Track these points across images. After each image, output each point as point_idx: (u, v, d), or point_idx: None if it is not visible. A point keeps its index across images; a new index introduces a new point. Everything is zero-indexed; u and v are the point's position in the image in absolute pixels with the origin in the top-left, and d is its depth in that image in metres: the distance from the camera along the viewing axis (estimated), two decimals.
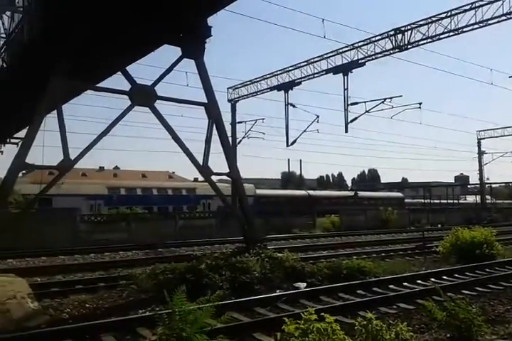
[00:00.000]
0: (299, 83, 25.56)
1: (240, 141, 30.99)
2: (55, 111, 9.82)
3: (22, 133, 22.71)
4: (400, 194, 60.08)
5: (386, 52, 21.40)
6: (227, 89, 29.79)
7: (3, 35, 14.30)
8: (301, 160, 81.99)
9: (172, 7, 9.24)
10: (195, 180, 48.23)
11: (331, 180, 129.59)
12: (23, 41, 11.52)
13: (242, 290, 8.99)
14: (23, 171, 22.39)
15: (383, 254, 16.31)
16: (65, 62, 9.18)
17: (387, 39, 21.22)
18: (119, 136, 43.12)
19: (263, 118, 30.92)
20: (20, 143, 23.85)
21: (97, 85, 12.22)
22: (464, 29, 19.07)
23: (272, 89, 26.90)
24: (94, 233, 21.16)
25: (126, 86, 10.68)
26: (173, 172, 57.27)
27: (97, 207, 32.53)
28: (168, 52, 11.45)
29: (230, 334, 6.16)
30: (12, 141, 25.05)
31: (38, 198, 9.29)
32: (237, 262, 9.72)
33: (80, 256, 16.40)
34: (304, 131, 27.36)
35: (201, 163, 11.11)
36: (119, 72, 11.44)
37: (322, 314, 4.70)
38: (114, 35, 9.67)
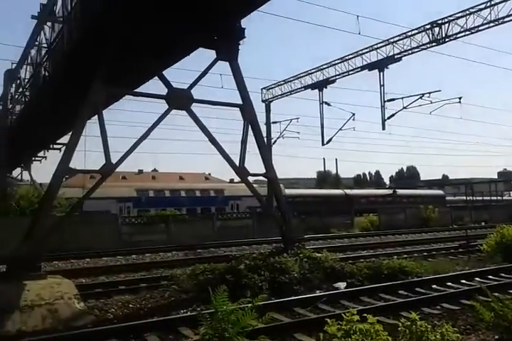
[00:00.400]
0: (334, 81, 25.29)
1: (275, 141, 30.97)
2: (95, 117, 10.13)
3: (64, 139, 23.57)
4: (440, 191, 58.50)
5: (423, 47, 20.88)
6: (261, 89, 29.86)
7: (45, 45, 14.87)
8: (336, 159, 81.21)
9: (206, 10, 9.34)
10: (231, 181, 48.62)
11: (368, 179, 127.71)
12: (64, 50, 11.94)
13: (281, 290, 8.99)
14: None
15: (425, 254, 15.94)
16: (104, 69, 9.44)
17: (423, 33, 20.70)
18: (156, 139, 43.84)
19: (298, 118, 30.78)
20: (63, 149, 24.76)
21: (135, 90, 12.54)
22: (505, 19, 18.37)
23: (306, 88, 26.74)
24: (135, 234, 21.68)
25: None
26: (209, 174, 57.96)
27: (126, 209, 33.09)
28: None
29: (271, 335, 6.16)
30: (55, 146, 25.96)
31: (82, 202, 9.57)
32: (275, 262, 9.72)
33: (122, 257, 16.85)
34: (340, 129, 27.03)
35: (238, 164, 11.17)
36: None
37: (364, 315, 4.64)
38: (150, 41, 9.87)
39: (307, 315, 7.67)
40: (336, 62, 24.62)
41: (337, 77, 24.90)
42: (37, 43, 15.80)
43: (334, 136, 27.14)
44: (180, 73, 17.08)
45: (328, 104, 26.55)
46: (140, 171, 51.47)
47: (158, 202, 34.29)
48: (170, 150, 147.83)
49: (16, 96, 20.77)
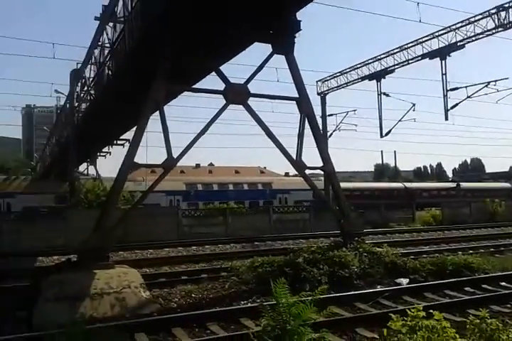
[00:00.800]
0: (392, 71, 24.53)
1: (331, 134, 30.58)
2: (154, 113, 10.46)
3: (126, 135, 24.56)
4: (508, 184, 55.34)
5: (488, 32, 19.76)
6: (316, 82, 29.52)
7: (108, 45, 15.50)
8: (395, 151, 78.96)
9: (263, 4, 9.35)
10: (286, 174, 48.63)
11: (429, 171, 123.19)
12: (125, 49, 12.40)
13: (340, 284, 8.91)
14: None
15: (492, 249, 15.19)
16: (164, 67, 9.70)
17: (488, 18, 19.59)
18: (212, 134, 44.53)
19: (355, 110, 30.22)
20: (126, 144, 25.82)
21: (193, 87, 12.81)
22: None
23: (363, 78, 26.12)
24: (194, 227, 22.28)
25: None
26: (265, 168, 58.25)
27: (176, 202, 33.81)
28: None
29: (332, 329, 6.15)
30: (118, 142, 27.09)
31: (146, 195, 9.95)
32: (334, 256, 9.64)
33: (183, 249, 17.38)
34: (400, 120, 26.24)
35: (294, 158, 11.15)
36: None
37: (430, 311, 4.51)
38: (208, 38, 10.03)
39: (368, 310, 7.57)
40: (395, 51, 23.85)
41: (396, 66, 24.13)
42: (100, 43, 16.47)
43: (393, 127, 26.40)
44: (234, 68, 17.18)
45: (387, 95, 25.83)
46: (197, 165, 52.63)
47: (206, 196, 35.02)
48: (227, 144, 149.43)
49: (82, 94, 21.83)
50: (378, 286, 9.21)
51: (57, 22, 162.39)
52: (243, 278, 9.80)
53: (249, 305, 8.15)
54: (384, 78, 25.18)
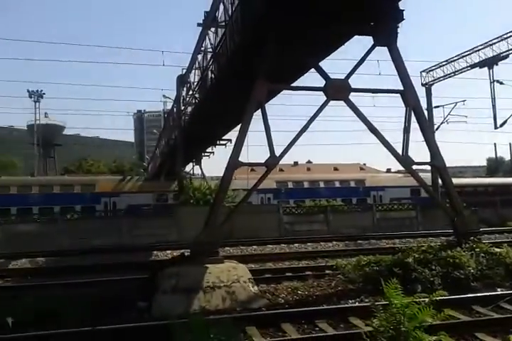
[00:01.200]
0: (506, 57, 22.46)
1: (438, 127, 28.85)
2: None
3: (228, 136, 25.50)
4: None
5: None
6: (421, 72, 28.01)
7: (210, 50, 16.18)
8: (510, 144, 72.08)
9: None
10: (388, 170, 46.84)
11: None
12: (227, 52, 12.84)
13: (455, 286, 8.40)
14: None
15: None
16: (265, 67, 9.86)
17: None
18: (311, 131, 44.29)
19: (464, 100, 28.21)
20: (228, 144, 26.80)
21: (292, 85, 12.88)
22: None
23: (472, 66, 24.25)
24: (295, 224, 22.44)
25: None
26: (364, 164, 56.63)
27: (267, 200, 33.82)
28: None
29: (449, 333, 5.80)
30: (221, 142, 28.18)
31: (251, 193, 10.24)
32: (448, 256, 9.11)
33: (286, 246, 17.59)
34: None
35: (400, 153, 10.71)
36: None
37: None
38: (308, 35, 10.02)
39: (489, 314, 7.05)
40: (509, 34, 21.79)
41: (510, 51, 22.05)
42: (203, 49, 17.26)
43: (510, 117, 24.19)
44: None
45: (501, 83, 23.75)
46: (295, 163, 52.75)
47: (297, 194, 34.86)
48: (325, 141, 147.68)
49: (187, 98, 23.07)
50: (499, 289, 8.53)
51: (165, 31, 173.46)
52: (349, 276, 9.69)
53: (357, 304, 8.03)
54: (497, 65, 23.17)
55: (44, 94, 55.84)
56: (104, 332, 6.54)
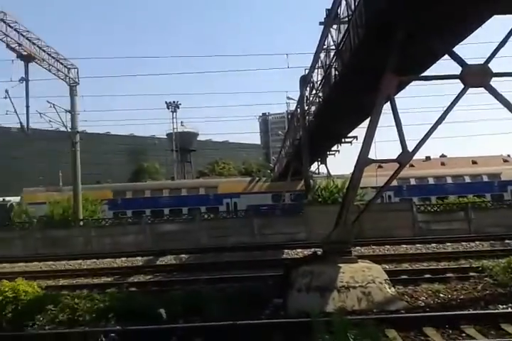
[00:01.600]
0: None
1: None
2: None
3: (353, 133, 24.98)
4: None
5: None
6: None
7: (333, 47, 16.02)
8: None
9: None
10: None
11: None
12: (351, 48, 12.56)
13: None
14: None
15: None
16: (393, 58, 9.44)
17: None
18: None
19: None
20: (356, 141, 26.27)
21: (423, 75, 12.12)
22: None
23: None
24: (430, 223, 21.10)
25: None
26: (508, 156, 50.98)
27: (387, 198, 31.83)
28: None
29: None
30: (346, 140, 27.69)
31: (383, 191, 9.89)
32: None
33: (422, 246, 16.65)
34: None
35: None
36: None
37: None
38: (440, 20, 9.33)
39: None
40: None
41: None
42: (325, 47, 17.16)
43: None
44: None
45: None
46: (427, 158, 49.58)
47: (420, 190, 33.30)
48: (464, 133, 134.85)
49: (311, 98, 23.15)
50: None
51: (289, 34, 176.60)
52: (498, 279, 8.83)
53: (510, 310, 7.28)
54: None
55: (180, 104, 60.95)
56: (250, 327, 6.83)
